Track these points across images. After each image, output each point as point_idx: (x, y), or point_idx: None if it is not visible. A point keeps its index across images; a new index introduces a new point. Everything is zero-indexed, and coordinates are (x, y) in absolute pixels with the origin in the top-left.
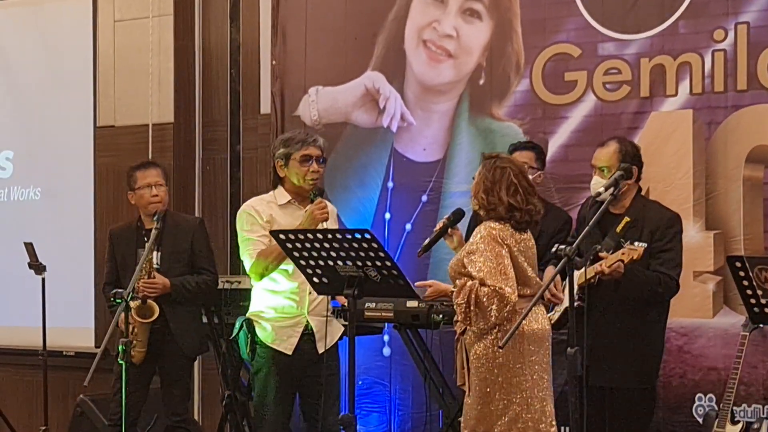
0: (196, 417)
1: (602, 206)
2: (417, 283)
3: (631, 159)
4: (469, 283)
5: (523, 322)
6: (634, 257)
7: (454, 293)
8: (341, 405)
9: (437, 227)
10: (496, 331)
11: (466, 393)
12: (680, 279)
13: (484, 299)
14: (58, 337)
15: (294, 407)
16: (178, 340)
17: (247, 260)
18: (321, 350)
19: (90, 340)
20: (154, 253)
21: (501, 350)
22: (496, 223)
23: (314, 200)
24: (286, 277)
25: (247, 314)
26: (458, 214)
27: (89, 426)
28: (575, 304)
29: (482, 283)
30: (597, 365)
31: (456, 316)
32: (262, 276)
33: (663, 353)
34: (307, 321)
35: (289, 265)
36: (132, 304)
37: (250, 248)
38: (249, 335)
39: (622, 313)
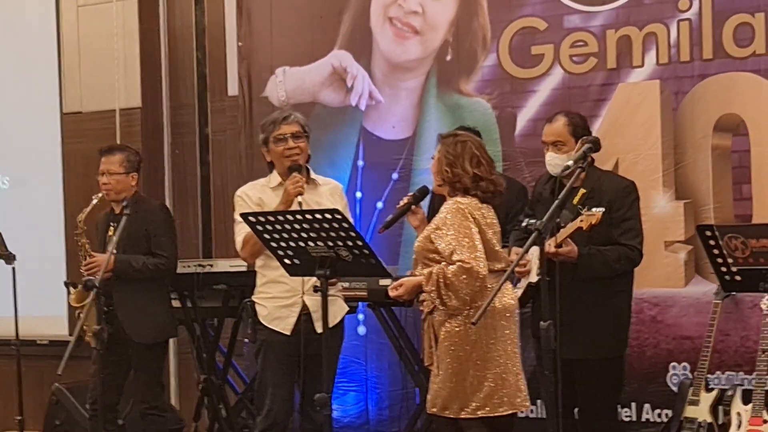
0: (173, 402)
1: (570, 181)
2: (389, 288)
3: (582, 130)
4: (436, 267)
5: (486, 295)
6: (593, 222)
7: (423, 283)
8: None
9: (401, 203)
10: (467, 308)
11: (434, 372)
12: (652, 249)
13: (453, 278)
14: (31, 326)
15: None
16: (126, 328)
17: (237, 244)
18: (320, 330)
19: (63, 328)
20: (114, 237)
21: (473, 327)
22: (463, 198)
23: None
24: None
25: (253, 296)
26: (423, 191)
27: (65, 414)
28: (540, 278)
29: (449, 262)
30: (565, 338)
31: (420, 296)
32: (252, 257)
33: (630, 322)
34: (304, 301)
35: None
36: (72, 290)
37: (239, 232)
38: (250, 317)
39: (586, 284)
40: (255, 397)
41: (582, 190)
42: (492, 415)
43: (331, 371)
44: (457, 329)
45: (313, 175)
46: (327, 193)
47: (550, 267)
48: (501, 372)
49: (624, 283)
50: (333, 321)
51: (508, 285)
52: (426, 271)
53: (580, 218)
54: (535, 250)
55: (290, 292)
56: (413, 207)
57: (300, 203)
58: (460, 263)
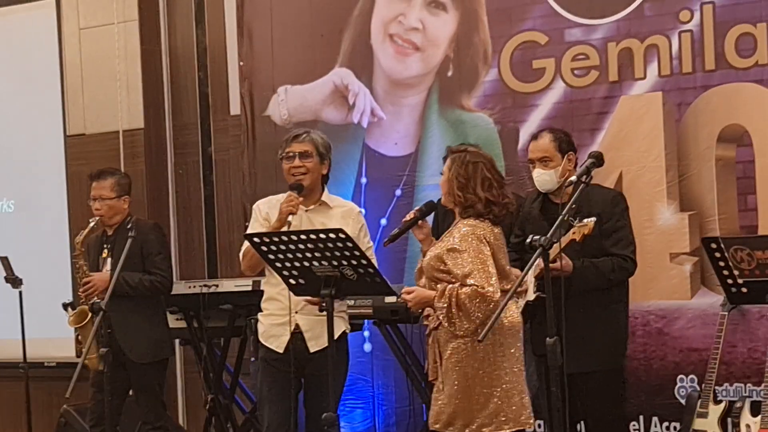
0: (180, 422)
1: (575, 194)
2: (402, 292)
3: (567, 146)
4: (449, 286)
5: (501, 315)
6: (585, 232)
7: (435, 297)
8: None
9: (407, 218)
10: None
11: (437, 387)
12: (657, 261)
13: (466, 300)
14: (39, 348)
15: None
16: (123, 347)
17: (241, 254)
18: (313, 349)
19: (71, 349)
20: (108, 259)
21: (480, 344)
22: (476, 221)
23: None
24: (275, 277)
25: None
26: (430, 206)
27: None
28: (537, 295)
29: (463, 284)
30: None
31: (425, 311)
32: (250, 270)
33: (628, 332)
34: (297, 321)
35: None
36: (70, 311)
37: (244, 245)
38: (253, 334)
39: (583, 297)
40: (259, 415)
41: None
42: None
43: (336, 389)
44: (464, 346)
45: (326, 196)
46: (338, 216)
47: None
48: (507, 389)
49: (620, 293)
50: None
51: (513, 303)
52: (439, 287)
53: (572, 230)
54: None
55: (284, 310)
56: (419, 222)
57: (289, 222)
58: (474, 287)
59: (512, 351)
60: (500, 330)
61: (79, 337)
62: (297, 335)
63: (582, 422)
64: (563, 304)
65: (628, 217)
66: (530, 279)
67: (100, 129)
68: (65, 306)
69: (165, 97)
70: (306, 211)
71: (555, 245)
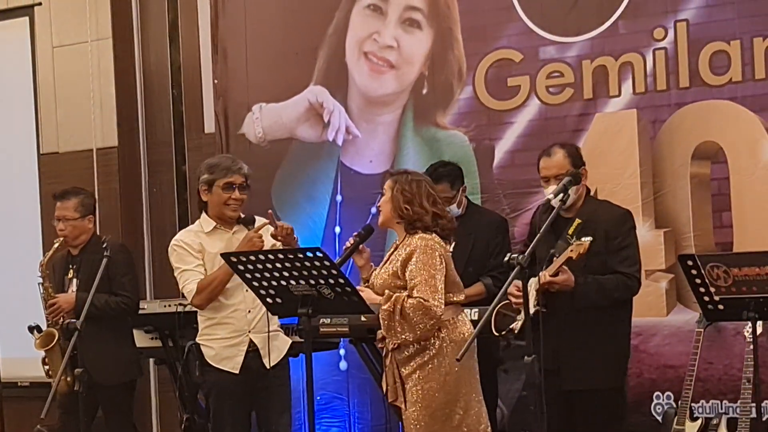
0: None
1: (555, 210)
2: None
3: (579, 160)
4: (397, 294)
5: (452, 328)
6: (581, 251)
7: (381, 301)
8: (303, 422)
9: (347, 244)
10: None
11: (404, 408)
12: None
13: (410, 311)
14: (12, 368)
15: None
16: (90, 369)
17: (189, 292)
18: (269, 365)
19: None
20: (74, 280)
21: (441, 360)
22: (425, 234)
23: (249, 227)
24: (223, 300)
25: (197, 338)
26: (368, 230)
27: None
28: (536, 309)
29: (410, 294)
30: (565, 368)
31: (378, 334)
32: (208, 302)
33: (629, 351)
34: (251, 339)
35: (225, 286)
36: (36, 334)
37: (188, 280)
38: (197, 359)
39: (586, 314)
40: None
41: (577, 221)
42: None
43: (285, 401)
44: (428, 363)
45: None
46: (264, 232)
47: (546, 298)
48: (466, 401)
49: (623, 312)
50: (279, 355)
51: (465, 317)
52: (387, 292)
53: (570, 248)
54: (533, 281)
55: (237, 332)
56: (360, 246)
57: None
58: (420, 300)
59: (470, 363)
60: (457, 344)
61: (46, 360)
62: (251, 353)
63: None
64: (560, 318)
65: (635, 235)
66: (532, 292)
67: (74, 147)
68: (31, 329)
69: (139, 115)
70: (233, 233)
71: (555, 260)
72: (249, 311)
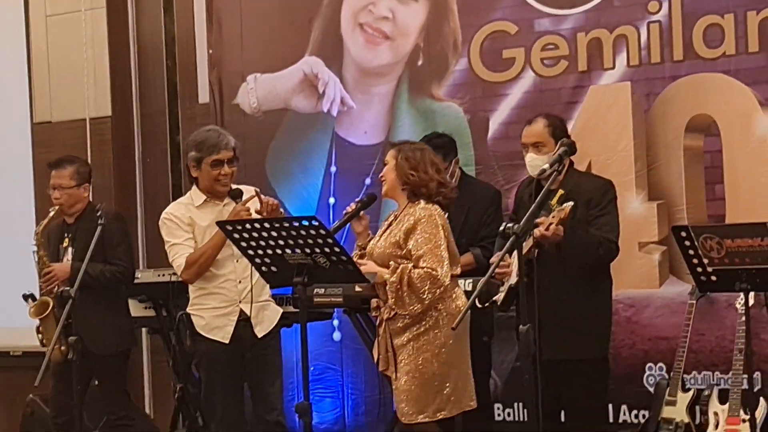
0: (147, 411)
1: (547, 183)
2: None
3: (561, 132)
4: (403, 265)
5: (449, 300)
6: (563, 216)
7: (389, 273)
8: (296, 392)
9: (348, 209)
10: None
11: (394, 377)
12: (626, 250)
13: (417, 281)
14: (4, 337)
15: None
16: (85, 339)
17: (178, 267)
18: (260, 335)
19: (36, 339)
20: (69, 249)
21: (436, 332)
22: (427, 204)
23: (237, 200)
24: (213, 270)
25: (188, 308)
26: (371, 198)
27: (40, 426)
28: (517, 281)
29: (416, 265)
30: (547, 339)
31: (373, 303)
32: (197, 276)
33: (612, 322)
34: (241, 309)
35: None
36: (31, 302)
37: (177, 254)
38: (188, 328)
39: (567, 284)
40: (204, 405)
41: (560, 192)
42: (449, 416)
43: (276, 370)
44: (423, 334)
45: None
46: (250, 202)
47: (530, 268)
48: (458, 373)
49: (603, 282)
50: (270, 325)
51: (460, 290)
52: (393, 263)
53: (552, 215)
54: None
55: (227, 302)
56: (360, 213)
57: None
58: (428, 270)
59: (464, 336)
60: (453, 316)
61: (40, 328)
62: (242, 323)
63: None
64: (541, 289)
65: (616, 205)
66: (515, 263)
67: (67, 117)
68: (26, 297)
69: (133, 85)
70: (224, 205)
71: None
72: (239, 282)
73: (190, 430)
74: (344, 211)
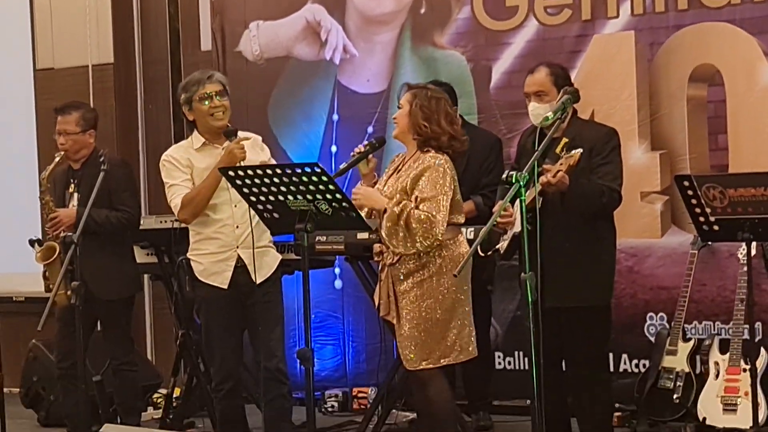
0: (149, 357)
1: (550, 131)
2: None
3: (563, 81)
4: (405, 201)
5: (453, 248)
6: (572, 163)
7: (388, 205)
8: (297, 340)
9: (357, 150)
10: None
11: (398, 324)
12: (628, 200)
13: (415, 222)
14: (7, 283)
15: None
16: (90, 285)
17: (175, 206)
18: (258, 281)
19: (39, 285)
20: (75, 195)
21: (440, 278)
22: (438, 154)
23: (231, 139)
24: (211, 215)
25: (187, 254)
26: (380, 141)
27: (43, 370)
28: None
29: (417, 206)
30: (549, 286)
31: (375, 248)
32: (193, 217)
33: (615, 270)
34: (239, 254)
35: (213, 201)
36: (37, 247)
37: (174, 194)
38: (188, 274)
39: (569, 232)
40: (204, 350)
41: (564, 140)
42: (453, 363)
43: (276, 316)
44: (426, 280)
45: (240, 133)
46: (249, 146)
47: (533, 217)
48: (460, 320)
49: (605, 230)
50: (269, 271)
51: (463, 237)
52: (398, 196)
53: (560, 162)
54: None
55: (225, 247)
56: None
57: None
58: (428, 214)
59: (466, 284)
60: (454, 262)
61: (47, 273)
62: (240, 268)
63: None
64: (544, 237)
65: (619, 153)
66: (518, 212)
67: (70, 63)
68: (32, 242)
69: (135, 32)
70: (223, 148)
71: (553, 168)
72: (237, 227)
73: (192, 376)
74: (352, 153)
